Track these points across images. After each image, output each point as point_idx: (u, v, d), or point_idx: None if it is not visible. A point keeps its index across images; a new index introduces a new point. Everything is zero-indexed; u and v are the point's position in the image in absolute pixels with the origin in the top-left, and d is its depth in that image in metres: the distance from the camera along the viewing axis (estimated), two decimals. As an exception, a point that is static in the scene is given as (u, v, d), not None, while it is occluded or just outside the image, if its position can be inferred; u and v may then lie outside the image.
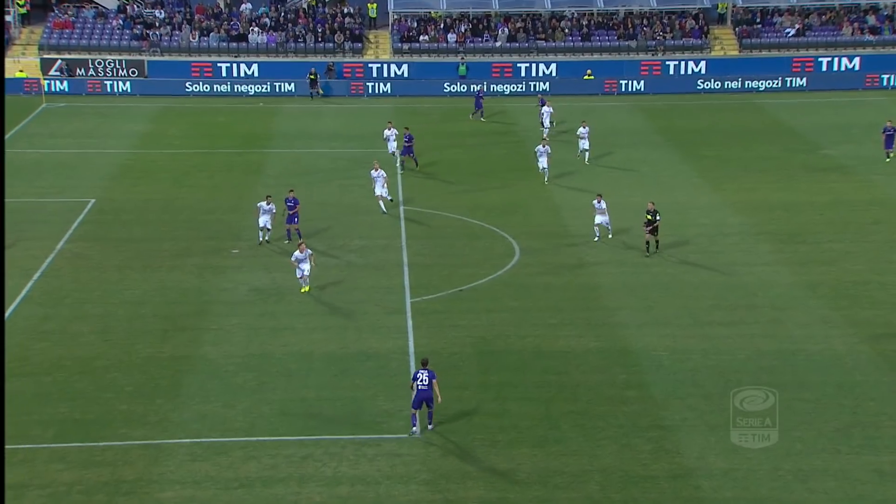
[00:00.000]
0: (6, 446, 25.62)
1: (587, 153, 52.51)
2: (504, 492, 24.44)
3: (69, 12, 73.51)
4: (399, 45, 72.70)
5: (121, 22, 72.98)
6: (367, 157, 53.46)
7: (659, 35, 73.48)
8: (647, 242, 39.62)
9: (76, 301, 35.11)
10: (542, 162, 48.86)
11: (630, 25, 74.29)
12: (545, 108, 57.31)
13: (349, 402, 28.51)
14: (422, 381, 26.71)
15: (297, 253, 35.55)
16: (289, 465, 25.44)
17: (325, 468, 25.37)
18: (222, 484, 24.58)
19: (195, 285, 36.62)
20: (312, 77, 67.94)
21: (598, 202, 41.12)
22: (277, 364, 30.69)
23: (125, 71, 69.26)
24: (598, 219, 41.07)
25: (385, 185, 44.69)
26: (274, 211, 40.66)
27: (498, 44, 73.20)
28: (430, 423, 27.09)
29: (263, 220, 40.44)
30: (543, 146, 49.29)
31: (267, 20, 73.72)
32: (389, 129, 51.93)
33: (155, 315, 34.04)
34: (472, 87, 67.40)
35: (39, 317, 33.86)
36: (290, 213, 40.70)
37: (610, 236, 41.18)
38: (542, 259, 39.75)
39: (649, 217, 39.45)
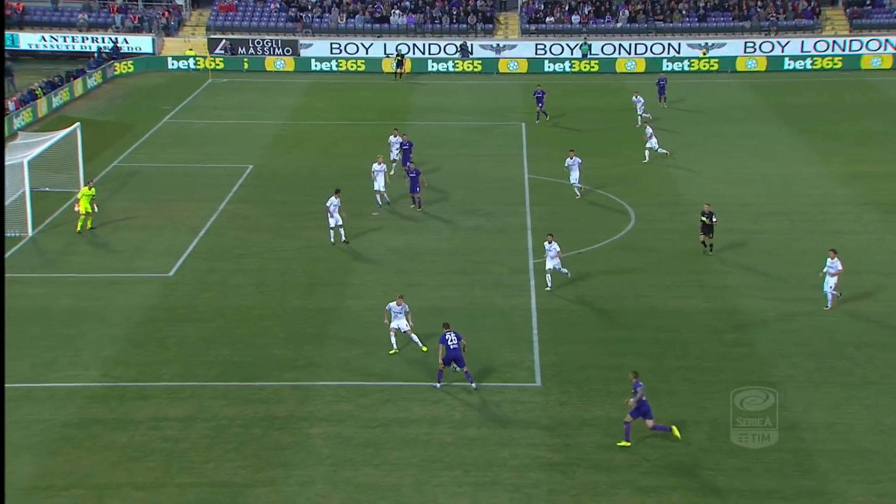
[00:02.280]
0: (176, 383, 26.64)
1: (640, 118, 52.78)
2: (617, 438, 24.34)
3: (232, -3, 75.03)
4: (527, 25, 72.19)
5: (277, 5, 74.08)
6: (493, 129, 53.47)
7: (772, 16, 71.42)
8: (703, 243, 35.52)
9: (236, 256, 36.01)
10: (653, 142, 47.10)
11: (745, 7, 72.36)
12: (637, 98, 54.36)
13: (476, 353, 28.65)
14: (451, 341, 26.30)
15: (392, 304, 28.72)
16: (422, 408, 25.76)
17: (455, 412, 25.62)
18: (363, 423, 25.04)
19: (338, 244, 37.17)
20: (398, 58, 67.36)
21: (549, 243, 32.76)
22: (413, 318, 30.98)
23: (280, 50, 70.39)
24: (549, 263, 32.70)
25: (385, 180, 40.65)
26: (385, 169, 40.57)
27: (619, 25, 72.12)
28: (472, 383, 26.43)
29: (378, 184, 40.23)
30: (648, 132, 47.63)
31: (407, 3, 73.95)
32: (395, 137, 45.01)
33: (304, 270, 34.71)
34: (534, 89, 56.28)
35: (205, 270, 34.86)
36: (411, 177, 40.49)
37: (564, 271, 33.01)
38: (656, 225, 39.22)
39: (704, 219, 35.32)
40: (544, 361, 28.16)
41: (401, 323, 28.37)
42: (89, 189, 38.32)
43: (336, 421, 25.11)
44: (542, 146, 50.58)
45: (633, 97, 54.50)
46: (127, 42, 70.55)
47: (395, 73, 67.13)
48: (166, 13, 73.42)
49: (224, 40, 70.78)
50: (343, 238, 36.49)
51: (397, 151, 44.50)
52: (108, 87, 64.25)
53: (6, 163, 39.35)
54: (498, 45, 70.26)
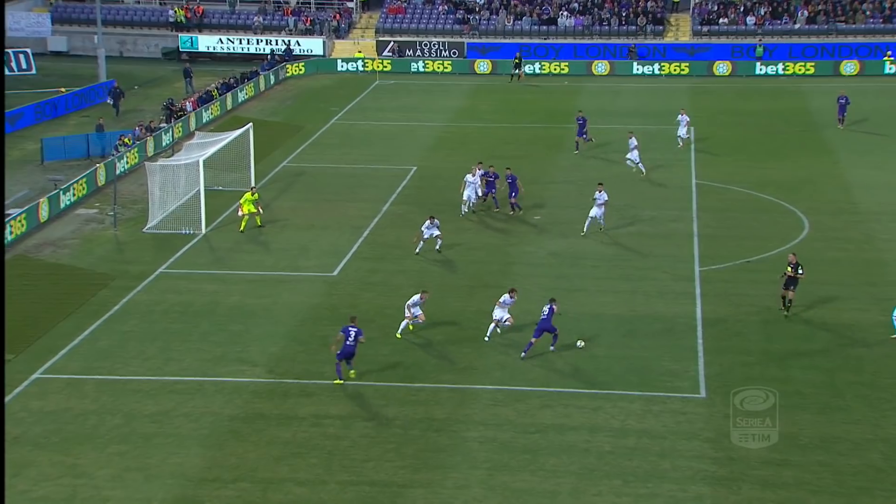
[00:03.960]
0: (337, 382, 27.05)
1: (681, 140, 48.99)
2: (786, 454, 23.54)
3: (402, -1, 76.23)
4: (699, 27, 70.70)
5: (445, 7, 74.85)
6: (660, 133, 52.57)
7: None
8: (784, 299, 30.67)
9: (397, 257, 36.46)
10: (634, 154, 44.89)
11: (932, 6, 68.91)
12: (682, 117, 50.04)
13: (637, 361, 28.25)
14: (543, 312, 28.33)
15: (416, 297, 29.97)
16: (581, 415, 25.51)
17: (614, 420, 25.28)
18: (520, 428, 24.97)
19: (500, 247, 37.23)
20: (517, 61, 66.61)
21: (600, 192, 35.83)
22: (571, 323, 30.77)
23: (447, 52, 71.04)
24: (594, 211, 36.42)
25: (477, 190, 39.95)
26: (478, 183, 40.01)
27: (797, 26, 69.78)
28: (552, 346, 28.55)
29: (468, 193, 39.81)
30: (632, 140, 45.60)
31: (576, 5, 73.53)
32: (474, 175, 40.46)
33: (464, 272, 34.88)
34: (577, 114, 51.12)
35: (367, 269, 35.46)
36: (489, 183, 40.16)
37: (601, 229, 36.50)
38: (831, 234, 37.80)
39: (789, 270, 30.32)
40: (709, 372, 27.49)
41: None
42: (252, 195, 39.43)
43: (493, 425, 25.11)
44: (710, 151, 49.42)
45: (679, 115, 49.98)
46: (299, 44, 72.57)
47: (512, 75, 66.53)
48: (337, 16, 75.16)
49: (392, 42, 71.94)
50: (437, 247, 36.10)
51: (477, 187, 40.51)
52: (280, 88, 66.20)
53: (183, 162, 41.05)
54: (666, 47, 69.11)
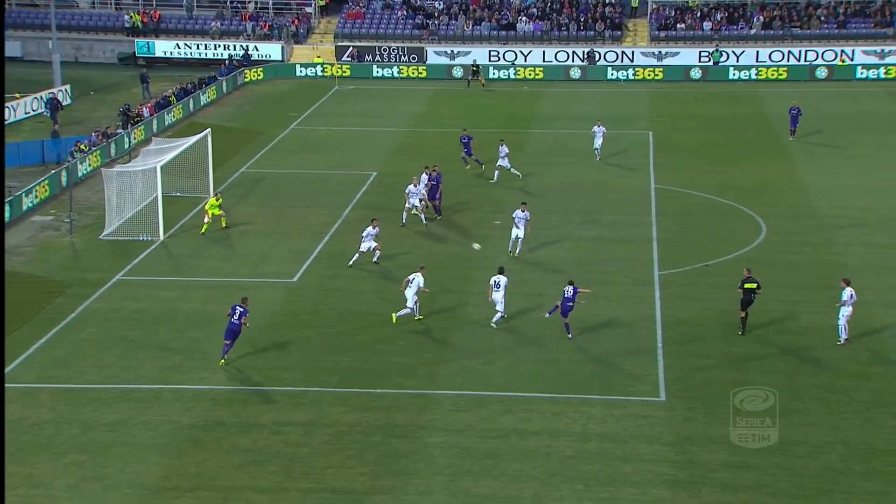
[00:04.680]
0: (298, 388, 27.06)
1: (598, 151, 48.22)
2: (745, 457, 23.77)
3: (360, 4, 76.07)
4: (656, 32, 71.31)
5: (405, 13, 74.92)
6: (620, 137, 52.88)
7: (915, 21, 68.93)
8: (743, 319, 29.84)
9: (358, 263, 36.42)
10: (504, 162, 44.79)
11: (888, 14, 69.91)
12: (599, 128, 48.85)
13: (598, 365, 28.42)
14: (566, 293, 29.46)
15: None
16: (542, 420, 25.61)
17: (576, 425, 25.40)
18: (482, 433, 25.01)
19: (460, 252, 37.31)
20: (474, 68, 66.86)
21: (523, 211, 35.66)
22: (533, 327, 30.91)
23: (406, 57, 71.11)
24: (515, 231, 35.71)
25: (420, 201, 39.53)
26: (421, 192, 39.79)
27: (752, 31, 70.59)
28: (568, 334, 29.69)
29: (411, 202, 39.61)
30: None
31: (534, 10, 73.87)
32: (414, 186, 39.99)
33: (425, 277, 34.84)
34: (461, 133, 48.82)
35: (327, 275, 35.38)
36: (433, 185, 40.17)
37: (518, 252, 35.81)
38: (789, 238, 38.23)
39: (751, 286, 29.42)
40: (669, 376, 27.71)
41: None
42: (216, 199, 39.45)
43: (455, 430, 25.15)
44: (670, 155, 49.84)
45: (595, 126, 48.67)
46: (257, 49, 72.32)
47: (469, 80, 66.69)
48: (296, 21, 75.00)
49: (351, 47, 71.91)
50: (375, 259, 35.89)
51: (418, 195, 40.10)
52: (238, 93, 65.92)
53: (140, 168, 40.76)
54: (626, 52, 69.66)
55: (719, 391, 26.73)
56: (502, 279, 30.87)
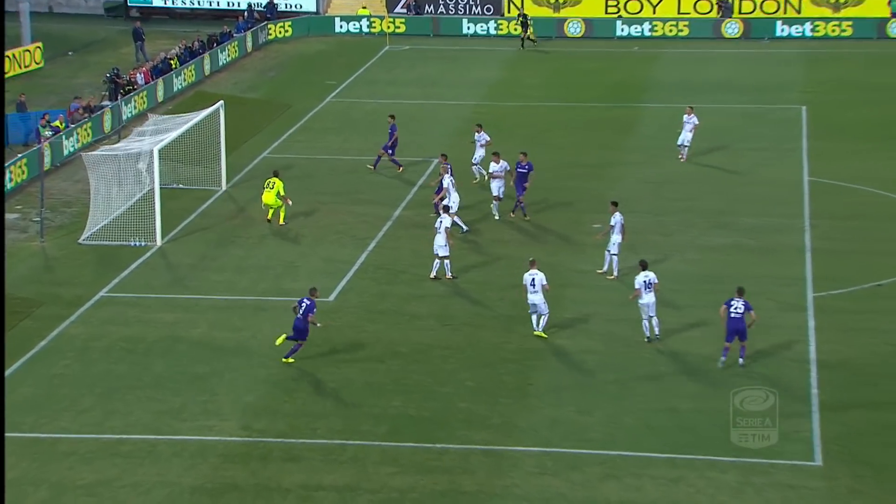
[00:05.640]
0: (334, 441, 27.12)
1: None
2: (928, 544, 23.39)
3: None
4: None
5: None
6: (764, 113, 52.35)
7: None
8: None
9: (414, 277, 36.40)
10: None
11: None
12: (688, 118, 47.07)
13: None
14: (735, 309, 29.79)
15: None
16: (656, 488, 25.43)
17: (700, 495, 25.20)
18: (576, 504, 24.96)
19: (548, 263, 37.06)
20: (524, 21, 66.75)
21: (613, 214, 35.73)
22: (644, 365, 30.68)
23: (479, 8, 71.16)
24: (613, 240, 35.72)
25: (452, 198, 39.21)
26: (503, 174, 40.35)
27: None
28: (741, 358, 30.12)
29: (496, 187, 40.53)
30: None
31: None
32: (479, 133, 43.92)
33: (501, 298, 34.83)
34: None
35: (374, 294, 35.46)
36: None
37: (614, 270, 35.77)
38: None
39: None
40: (827, 433, 27.41)
41: (536, 299, 31.72)
42: (276, 181, 40.27)
43: (540, 500, 25.04)
44: (830, 139, 49.31)
45: (685, 115, 46.69)
46: (284, -2, 72.84)
47: (522, 39, 66.67)
48: (334, -40, 75.50)
49: (406, -5, 72.18)
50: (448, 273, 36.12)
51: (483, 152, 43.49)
52: (260, 54, 66.46)
53: (132, 152, 41.21)
54: None
55: None
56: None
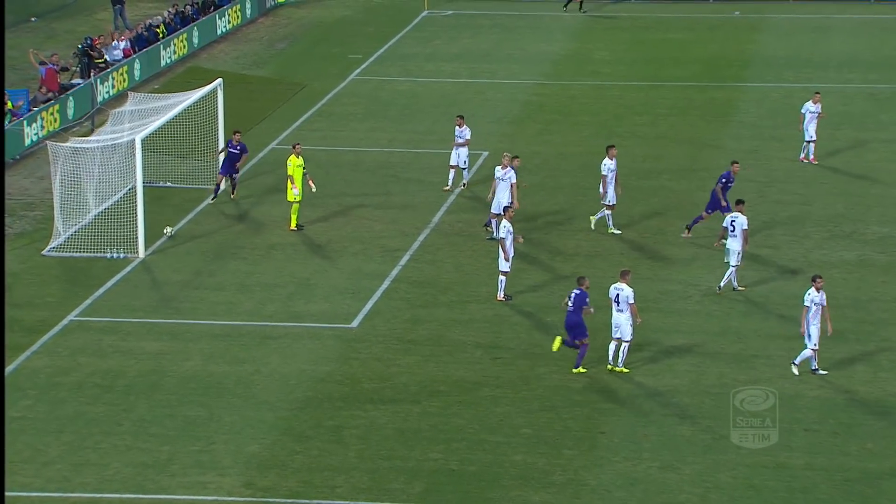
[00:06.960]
0: (358, 502, 27.26)
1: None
2: None
3: None
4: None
5: None
6: (890, 95, 52.17)
7: None
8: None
9: (457, 298, 36.48)
10: None
11: None
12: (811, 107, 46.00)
13: (858, 480, 27.96)
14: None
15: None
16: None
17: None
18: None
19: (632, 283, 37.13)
20: None
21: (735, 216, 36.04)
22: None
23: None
24: (731, 248, 36.07)
25: (509, 195, 39.11)
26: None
27: None
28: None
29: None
30: None
31: None
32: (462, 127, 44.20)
33: (563, 324, 34.76)
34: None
35: (406, 319, 35.50)
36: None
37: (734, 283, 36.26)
38: None
39: None
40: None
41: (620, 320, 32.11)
42: (297, 157, 40.49)
43: (615, 579, 25.15)
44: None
45: (809, 102, 45.86)
46: (297, -49, 73.16)
47: (566, 2, 67.31)
48: None
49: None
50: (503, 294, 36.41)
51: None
52: (267, 21, 66.75)
53: (109, 142, 41.43)
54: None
55: None
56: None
